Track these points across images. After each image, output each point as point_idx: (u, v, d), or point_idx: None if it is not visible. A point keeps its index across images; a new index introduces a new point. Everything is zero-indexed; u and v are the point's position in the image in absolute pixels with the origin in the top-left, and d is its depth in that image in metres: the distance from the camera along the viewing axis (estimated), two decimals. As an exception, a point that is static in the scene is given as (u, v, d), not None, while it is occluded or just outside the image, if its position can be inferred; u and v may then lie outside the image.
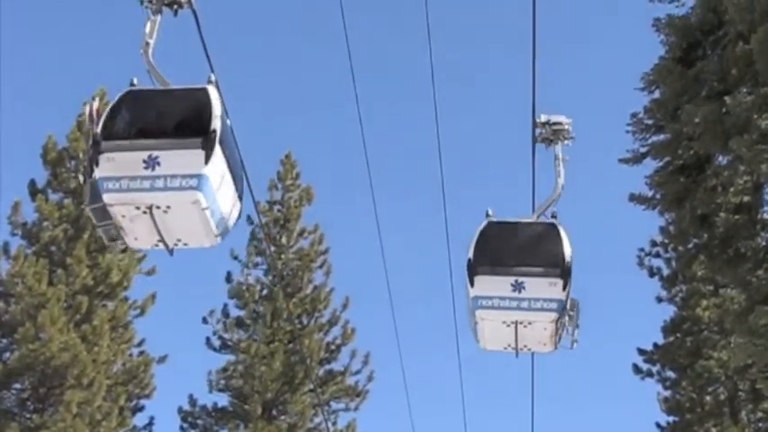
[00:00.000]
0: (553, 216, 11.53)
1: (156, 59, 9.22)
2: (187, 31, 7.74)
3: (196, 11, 8.78)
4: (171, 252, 9.30)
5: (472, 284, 11.17)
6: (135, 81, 9.54)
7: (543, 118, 11.82)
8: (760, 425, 25.32)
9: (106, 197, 8.79)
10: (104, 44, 52.00)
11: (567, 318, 11.24)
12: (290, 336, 31.02)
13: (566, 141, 11.88)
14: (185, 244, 9.24)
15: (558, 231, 11.25)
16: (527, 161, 11.59)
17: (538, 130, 11.75)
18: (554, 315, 11.04)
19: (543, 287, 11.01)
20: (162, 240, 9.04)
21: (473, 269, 11.20)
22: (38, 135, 30.43)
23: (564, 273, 11.05)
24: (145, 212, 8.74)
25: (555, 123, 11.84)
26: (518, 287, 10.99)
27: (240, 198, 9.44)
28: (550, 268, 11.10)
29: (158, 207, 8.70)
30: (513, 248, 11.42)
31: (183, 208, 8.73)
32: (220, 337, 31.44)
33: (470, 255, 11.27)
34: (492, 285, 11.13)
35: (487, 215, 11.46)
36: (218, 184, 8.87)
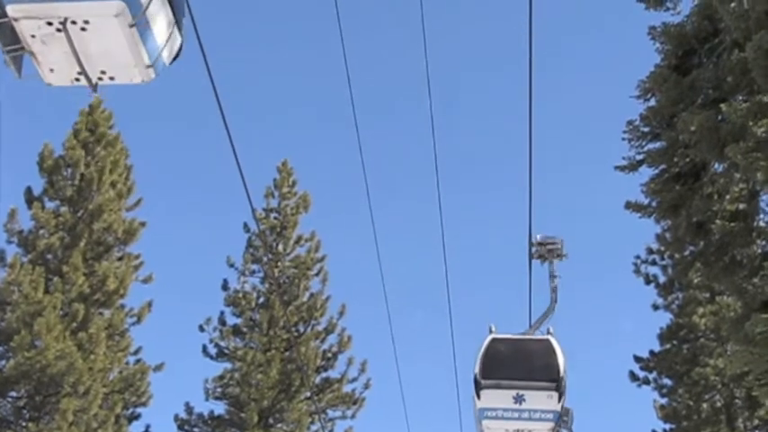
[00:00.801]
0: (549, 332, 13.13)
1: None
2: (187, 35, 7.70)
3: (195, 21, 8.70)
4: (94, 88, 7.73)
5: (479, 397, 12.73)
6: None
7: (539, 238, 13.68)
8: (756, 432, 25.34)
9: (10, 9, 7.22)
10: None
11: (561, 424, 12.82)
12: (286, 343, 31.01)
13: (559, 259, 13.80)
14: (111, 78, 7.63)
15: (552, 347, 12.80)
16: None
17: (534, 248, 13.53)
18: (551, 424, 12.65)
19: (541, 399, 12.57)
20: (83, 72, 7.46)
21: (479, 384, 12.75)
22: (34, 142, 30.43)
23: (559, 386, 12.63)
24: (59, 30, 7.22)
25: (549, 243, 13.72)
26: (519, 399, 12.57)
27: (179, 28, 7.96)
28: (547, 382, 12.65)
29: (74, 22, 7.19)
30: (514, 364, 12.94)
31: (105, 23, 7.22)
32: (217, 345, 31.44)
33: (477, 371, 12.76)
34: (496, 398, 12.69)
35: (491, 331, 12.96)
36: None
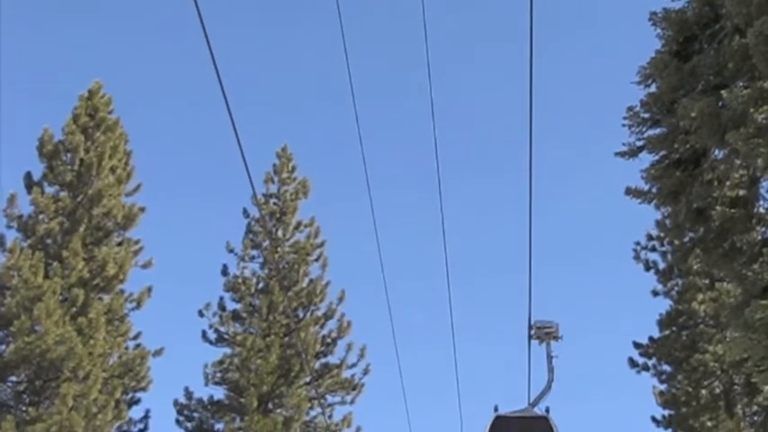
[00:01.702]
0: (547, 411, 14.48)
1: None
2: (188, 19, 7.68)
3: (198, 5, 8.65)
4: None
5: None
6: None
7: (536, 323, 15.09)
8: (755, 418, 25.36)
9: None
10: (101, 36, 51.94)
11: None
12: (285, 329, 31.04)
13: (555, 341, 15.19)
14: None
15: (550, 426, 14.10)
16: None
17: (532, 331, 14.84)
18: None
19: None
20: None
21: None
22: (34, 127, 30.40)
23: None
24: None
25: (546, 328, 15.10)
26: None
27: None
28: None
29: None
30: None
31: None
32: (216, 331, 31.47)
33: None
34: None
35: (496, 410, 14.30)
36: None
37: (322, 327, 31.65)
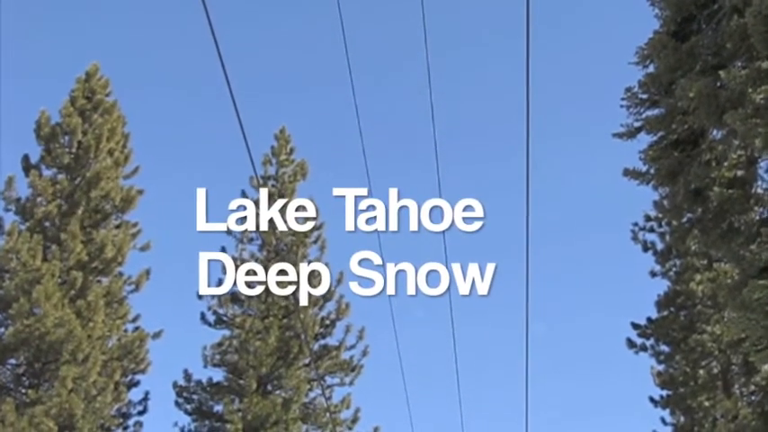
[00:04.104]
0: None
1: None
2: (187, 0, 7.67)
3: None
4: None
5: None
6: None
7: None
8: (752, 398, 25.43)
9: None
10: (98, 18, 51.78)
11: None
12: (284, 311, 31.08)
13: None
14: None
15: None
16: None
17: None
18: None
19: None
20: None
21: None
22: (31, 110, 30.34)
23: None
24: None
25: None
26: None
27: None
28: None
29: None
30: None
31: None
32: (215, 313, 31.48)
33: None
34: None
35: None
36: None
37: (321, 308, 31.68)
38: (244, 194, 32.56)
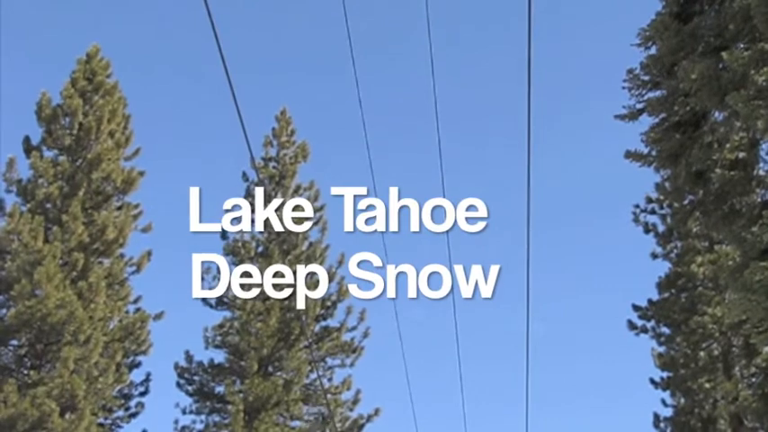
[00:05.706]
0: None
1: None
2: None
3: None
4: None
5: None
6: None
7: None
8: (753, 380, 25.48)
9: None
10: None
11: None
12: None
13: None
14: None
15: None
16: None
17: None
18: None
19: None
20: None
21: None
22: (32, 91, 30.30)
23: None
24: None
25: None
26: None
27: None
28: None
29: None
30: None
31: None
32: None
33: None
34: None
35: None
36: None
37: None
38: (244, 176, 32.60)
